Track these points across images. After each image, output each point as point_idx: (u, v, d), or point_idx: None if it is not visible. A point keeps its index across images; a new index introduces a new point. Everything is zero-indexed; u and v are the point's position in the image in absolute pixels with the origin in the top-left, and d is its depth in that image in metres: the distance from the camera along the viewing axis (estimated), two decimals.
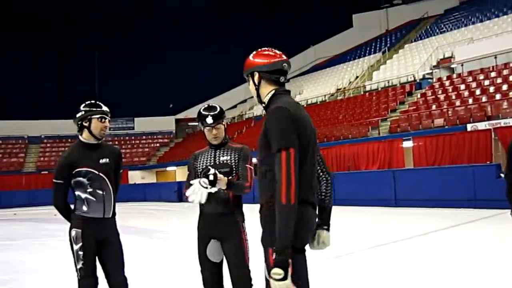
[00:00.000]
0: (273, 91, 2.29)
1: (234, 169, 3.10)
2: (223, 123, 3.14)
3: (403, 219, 10.89)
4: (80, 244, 3.05)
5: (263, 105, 2.33)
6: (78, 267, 3.05)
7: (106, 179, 3.17)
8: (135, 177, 33.01)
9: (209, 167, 3.07)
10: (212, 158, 3.14)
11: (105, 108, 3.22)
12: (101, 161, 3.17)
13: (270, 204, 2.11)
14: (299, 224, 2.04)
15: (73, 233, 3.09)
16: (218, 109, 3.15)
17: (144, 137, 39.23)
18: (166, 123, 39.92)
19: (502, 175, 10.48)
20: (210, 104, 3.19)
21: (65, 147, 31.86)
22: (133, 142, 38.30)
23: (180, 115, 40.24)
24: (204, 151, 3.23)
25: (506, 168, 3.07)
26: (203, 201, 2.78)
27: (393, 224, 10.20)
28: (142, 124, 39.40)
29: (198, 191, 2.75)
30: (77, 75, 41.44)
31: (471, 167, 12.43)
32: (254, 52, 2.38)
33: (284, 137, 2.05)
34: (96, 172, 3.13)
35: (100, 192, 3.13)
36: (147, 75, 42.22)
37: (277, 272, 1.92)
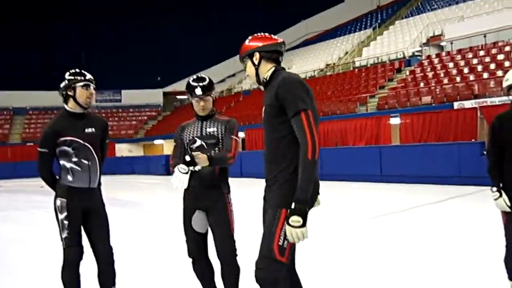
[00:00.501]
0: (273, 68, 2.43)
1: (220, 140, 3.10)
2: (212, 95, 3.14)
3: (388, 194, 11.06)
4: (65, 213, 3.04)
5: (264, 80, 2.44)
6: (63, 236, 3.04)
7: (92, 149, 3.14)
8: (122, 150, 32.87)
9: (195, 138, 3.08)
10: (199, 129, 3.14)
11: (89, 75, 3.17)
12: (86, 130, 3.14)
13: (289, 170, 2.24)
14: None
15: (58, 202, 3.07)
16: (208, 80, 3.14)
17: (131, 110, 38.89)
18: (153, 96, 39.58)
19: (485, 153, 10.66)
20: (200, 75, 3.18)
21: (51, 118, 31.45)
22: (120, 115, 37.97)
23: (168, 88, 39.89)
24: (191, 122, 3.23)
25: (488, 145, 3.13)
26: (185, 186, 2.94)
27: (378, 199, 10.35)
28: (130, 96, 38.99)
29: (179, 177, 2.91)
30: (63, 47, 40.72)
31: (457, 145, 12.58)
32: (250, 37, 2.50)
33: (302, 100, 2.21)
34: (81, 142, 3.10)
35: (86, 162, 3.11)
36: (135, 48, 41.63)
37: (296, 219, 2.09)
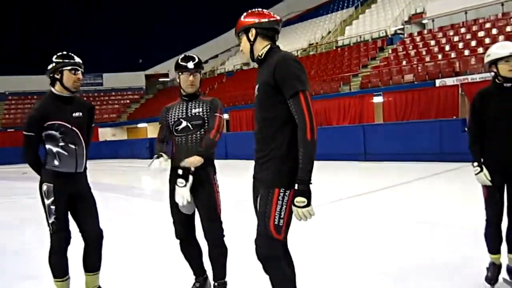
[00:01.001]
0: (269, 45, 2.41)
1: (206, 121, 3.11)
2: (200, 72, 3.15)
3: (371, 172, 11.19)
4: (52, 198, 3.00)
5: (259, 57, 2.42)
6: (50, 221, 3.01)
7: (79, 133, 3.10)
8: (106, 134, 32.56)
9: (180, 119, 3.07)
10: (184, 110, 3.14)
11: (77, 59, 3.09)
12: (74, 114, 3.09)
13: (281, 149, 2.26)
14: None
15: (44, 187, 3.03)
16: (195, 58, 3.16)
17: (113, 93, 38.40)
18: (136, 79, 39.07)
19: (467, 129, 10.82)
20: (189, 55, 3.20)
21: (32, 103, 30.93)
22: (102, 98, 37.48)
23: (150, 71, 39.40)
24: (176, 103, 3.22)
25: (470, 121, 3.18)
26: (189, 199, 2.93)
27: (361, 177, 10.48)
28: (111, 80, 38.44)
29: (180, 193, 2.92)
30: (42, 30, 39.70)
31: (438, 122, 12.74)
32: (246, 13, 2.47)
33: (300, 80, 2.21)
34: (69, 126, 3.06)
35: (73, 146, 3.07)
36: (115, 30, 40.79)
37: (301, 200, 2.17)
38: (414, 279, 3.47)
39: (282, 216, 2.24)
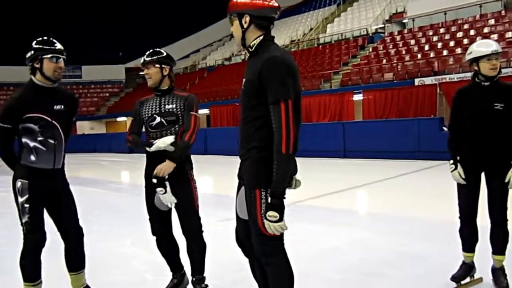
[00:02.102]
0: (262, 37, 2.24)
1: (180, 117, 3.04)
2: (157, 66, 3.03)
3: (350, 169, 11.30)
4: (26, 196, 2.78)
5: (250, 48, 2.27)
6: (24, 221, 2.79)
7: (59, 127, 2.89)
8: (84, 127, 32.09)
9: (154, 115, 3.03)
10: (157, 106, 3.07)
11: (59, 45, 2.85)
12: (55, 107, 2.87)
13: (260, 149, 2.17)
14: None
15: (19, 184, 2.80)
16: (158, 52, 3.08)
17: (92, 86, 37.84)
18: (115, 72, 38.53)
19: (445, 128, 10.98)
20: (156, 49, 3.13)
21: (7, 95, 30.26)
22: (80, 91, 36.82)
23: (130, 64, 38.87)
24: (150, 98, 3.15)
25: (450, 119, 3.19)
26: (173, 201, 2.93)
27: (340, 174, 10.57)
28: (90, 72, 37.82)
29: (165, 199, 2.92)
30: (17, 19, 38.69)
31: (416, 120, 12.93)
32: None
33: (283, 88, 2.09)
34: (49, 120, 2.83)
35: (52, 141, 2.86)
36: (95, 21, 40.08)
37: (273, 214, 2.08)
38: (389, 273, 3.51)
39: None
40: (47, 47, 2.81)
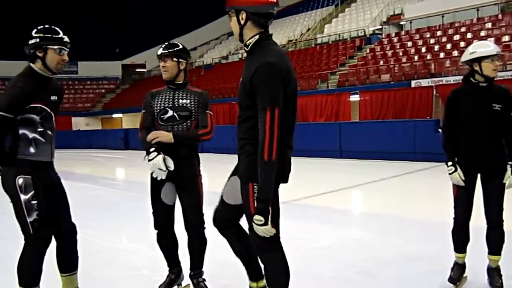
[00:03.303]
0: (258, 35, 2.24)
1: (193, 113, 3.02)
2: (174, 60, 2.99)
3: (346, 169, 11.32)
4: (32, 192, 2.60)
5: (246, 48, 2.29)
6: (31, 219, 2.58)
7: (54, 119, 2.79)
8: (79, 123, 31.98)
9: (167, 108, 3.02)
10: (171, 99, 3.04)
11: (65, 37, 2.70)
12: (52, 98, 2.76)
13: (253, 144, 2.20)
14: (281, 163, 2.18)
15: (20, 181, 2.59)
16: (177, 45, 3.05)
17: (88, 82, 37.66)
18: (112, 68, 38.38)
19: (440, 130, 11.02)
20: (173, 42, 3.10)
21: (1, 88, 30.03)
22: (76, 87, 36.73)
23: (127, 61, 38.78)
24: (162, 90, 3.11)
25: (444, 120, 3.19)
26: (163, 167, 2.85)
27: (336, 174, 10.59)
28: (86, 68, 37.63)
29: (155, 166, 2.86)
30: (12, 14, 38.45)
31: (413, 122, 12.97)
32: None
33: (271, 96, 2.10)
34: (49, 110, 2.71)
35: (50, 132, 2.74)
36: (93, 17, 39.92)
37: (259, 218, 2.15)
38: (383, 273, 3.53)
39: None
40: (55, 37, 2.67)
